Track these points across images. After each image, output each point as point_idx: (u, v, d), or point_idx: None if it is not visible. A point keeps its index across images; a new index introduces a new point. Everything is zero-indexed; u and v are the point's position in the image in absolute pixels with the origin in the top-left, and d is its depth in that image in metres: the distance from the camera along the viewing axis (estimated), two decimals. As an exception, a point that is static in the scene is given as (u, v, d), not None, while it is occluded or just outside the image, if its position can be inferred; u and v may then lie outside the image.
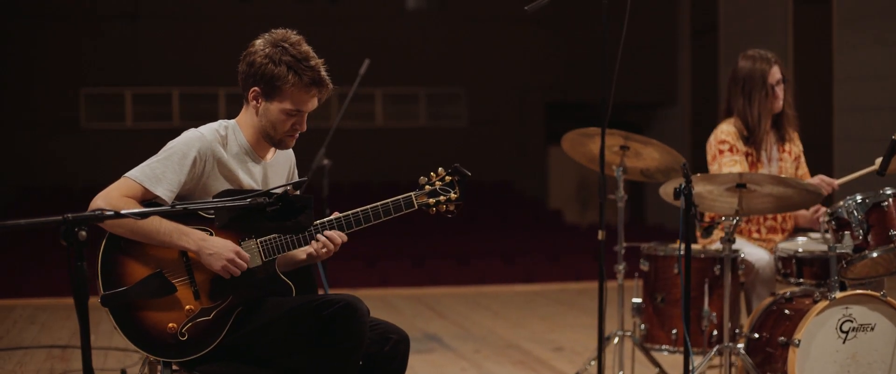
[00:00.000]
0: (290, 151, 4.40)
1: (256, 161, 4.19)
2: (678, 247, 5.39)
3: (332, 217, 4.09)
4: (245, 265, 3.94)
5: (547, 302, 10.08)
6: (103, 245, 3.95)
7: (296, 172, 4.44)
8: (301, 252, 4.23)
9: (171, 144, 4.07)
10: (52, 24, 17.32)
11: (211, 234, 3.97)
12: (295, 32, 4.14)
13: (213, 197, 4.00)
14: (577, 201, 19.08)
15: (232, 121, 4.21)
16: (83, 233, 3.18)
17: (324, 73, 4.08)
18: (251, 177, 4.16)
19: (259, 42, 4.10)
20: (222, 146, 4.10)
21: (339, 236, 4.05)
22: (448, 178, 4.14)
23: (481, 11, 18.16)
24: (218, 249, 3.90)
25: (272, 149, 4.24)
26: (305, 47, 4.08)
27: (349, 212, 4.09)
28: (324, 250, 4.08)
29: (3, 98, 17.28)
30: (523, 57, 18.68)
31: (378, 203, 4.06)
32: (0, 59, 17.16)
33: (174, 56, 17.46)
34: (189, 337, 3.94)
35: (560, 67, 18.34)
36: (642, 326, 5.78)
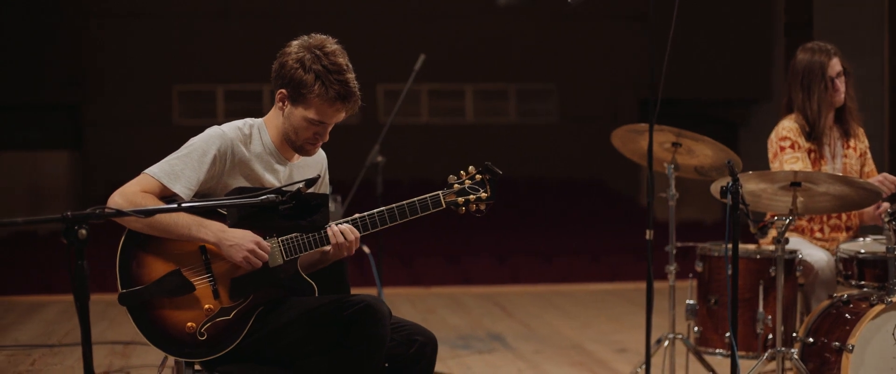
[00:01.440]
0: (322, 152, 4.32)
1: (282, 162, 4.11)
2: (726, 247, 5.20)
3: (356, 216, 4.00)
4: (266, 256, 3.86)
5: (621, 302, 9.88)
6: (122, 242, 3.91)
7: (327, 173, 4.35)
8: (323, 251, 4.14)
9: (192, 140, 4.02)
10: (144, 21, 17.53)
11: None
12: (334, 41, 4.01)
13: (225, 195, 3.94)
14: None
15: (259, 119, 4.14)
16: (83, 231, 3.14)
17: (353, 88, 3.96)
18: (275, 177, 4.09)
19: (295, 43, 4.00)
20: (244, 145, 4.03)
21: (351, 232, 3.94)
22: (479, 176, 4.03)
23: (573, 6, 17.93)
24: (238, 240, 3.84)
25: None
26: (340, 59, 3.95)
27: (374, 210, 3.99)
28: (343, 251, 3.98)
29: (98, 95, 17.54)
30: (615, 52, 18.42)
31: (404, 202, 3.96)
32: (94, 57, 17.41)
33: (265, 52, 17.43)
34: (208, 337, 3.88)
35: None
36: (696, 328, 5.60)
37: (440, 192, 4.00)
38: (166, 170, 3.93)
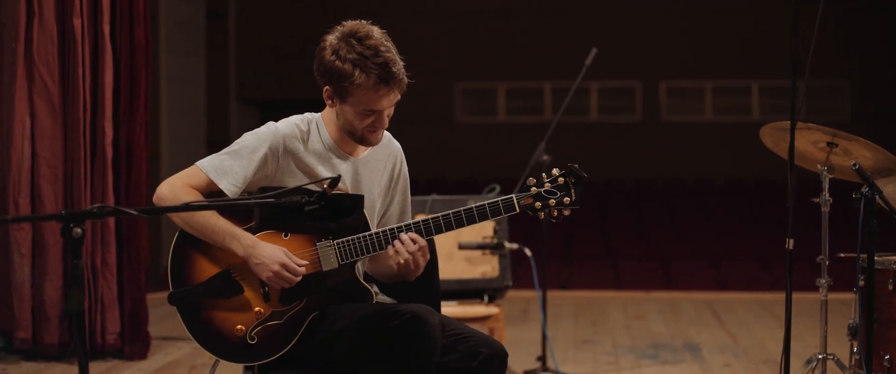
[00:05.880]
0: (396, 146, 4.15)
1: (343, 158, 3.93)
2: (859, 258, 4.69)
3: (418, 219, 3.79)
4: (295, 279, 3.68)
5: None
6: (174, 241, 3.84)
7: (404, 169, 4.16)
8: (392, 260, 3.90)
9: (245, 136, 3.90)
10: (428, 19, 17.75)
11: (286, 236, 3.77)
12: (368, 22, 3.85)
13: (252, 194, 3.83)
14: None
15: (317, 115, 4.00)
16: (78, 230, 3.08)
17: (395, 68, 3.76)
18: (336, 174, 3.91)
19: (331, 36, 3.83)
20: (301, 142, 3.88)
21: (411, 243, 3.72)
22: (561, 180, 3.71)
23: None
24: (265, 259, 3.67)
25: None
26: (374, 40, 3.76)
27: (440, 214, 3.76)
28: (401, 261, 3.75)
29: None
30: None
31: (473, 205, 3.72)
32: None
33: (546, 50, 17.40)
34: (259, 341, 3.75)
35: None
36: (856, 349, 5.08)
37: (514, 195, 3.74)
38: (216, 164, 3.81)
